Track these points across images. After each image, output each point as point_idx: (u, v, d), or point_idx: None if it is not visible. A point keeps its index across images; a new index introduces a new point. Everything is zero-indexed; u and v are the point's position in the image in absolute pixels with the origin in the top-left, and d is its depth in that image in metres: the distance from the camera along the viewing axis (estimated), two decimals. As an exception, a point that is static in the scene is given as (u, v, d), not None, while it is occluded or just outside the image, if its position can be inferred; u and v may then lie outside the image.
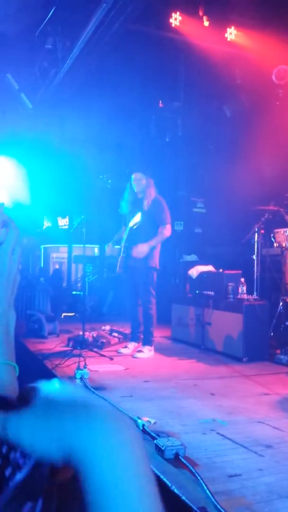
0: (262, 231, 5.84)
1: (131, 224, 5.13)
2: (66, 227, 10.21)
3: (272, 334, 5.37)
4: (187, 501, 1.90)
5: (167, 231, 5.15)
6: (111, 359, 4.82)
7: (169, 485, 2.03)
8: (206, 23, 6.98)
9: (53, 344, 5.43)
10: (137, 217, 5.12)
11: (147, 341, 5.21)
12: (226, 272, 5.50)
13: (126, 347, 5.28)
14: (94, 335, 5.71)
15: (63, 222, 10.50)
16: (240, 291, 5.21)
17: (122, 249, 5.23)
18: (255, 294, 5.51)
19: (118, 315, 8.21)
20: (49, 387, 0.48)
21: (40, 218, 10.85)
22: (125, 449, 0.43)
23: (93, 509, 0.42)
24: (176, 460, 2.28)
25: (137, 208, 5.19)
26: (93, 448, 0.42)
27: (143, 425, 2.71)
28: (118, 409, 0.48)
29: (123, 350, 5.20)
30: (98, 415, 0.44)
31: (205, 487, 1.98)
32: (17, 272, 0.67)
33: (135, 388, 3.78)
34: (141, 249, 5.05)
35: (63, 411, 0.44)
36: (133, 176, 5.21)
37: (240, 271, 5.54)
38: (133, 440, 0.44)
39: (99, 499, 0.41)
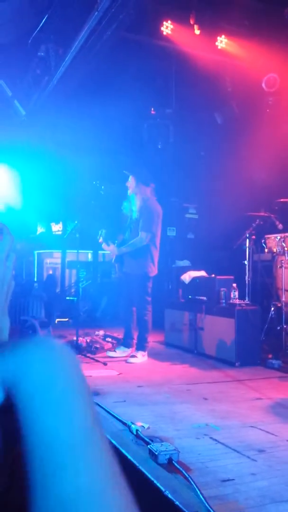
0: (254, 237, 5.91)
1: (99, 233, 5.26)
2: (60, 232, 10.22)
3: (264, 338, 5.43)
4: (180, 506, 1.93)
5: (139, 239, 5.06)
6: (105, 364, 4.84)
7: (163, 490, 2.06)
8: (197, 32, 7.05)
9: (46, 350, 5.42)
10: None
11: (140, 346, 5.24)
12: (218, 277, 5.54)
13: (114, 350, 5.31)
14: (88, 340, 5.73)
15: (56, 228, 10.50)
16: (232, 296, 5.26)
17: (114, 257, 5.29)
18: (247, 299, 5.57)
19: (112, 320, 8.23)
20: None
21: (33, 224, 10.84)
22: (61, 376, 0.42)
23: (31, 442, 0.40)
24: (170, 465, 2.31)
25: (130, 212, 5.27)
26: (27, 377, 0.41)
27: (137, 430, 2.74)
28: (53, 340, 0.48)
29: (111, 354, 5.22)
30: (31, 346, 0.43)
31: (198, 492, 2.01)
32: (12, 279, 0.69)
33: (128, 393, 3.81)
34: (111, 249, 5.17)
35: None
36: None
37: (232, 277, 5.59)
38: (69, 366, 0.44)
39: (37, 433, 0.40)
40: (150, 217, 5.13)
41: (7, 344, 0.45)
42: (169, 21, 7.30)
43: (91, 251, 9.94)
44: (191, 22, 7.04)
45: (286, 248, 5.41)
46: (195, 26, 7.03)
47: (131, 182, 5.22)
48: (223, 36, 7.32)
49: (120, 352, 5.26)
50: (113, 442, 2.63)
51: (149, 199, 5.21)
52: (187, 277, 6.01)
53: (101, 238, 5.27)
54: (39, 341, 0.45)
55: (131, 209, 5.27)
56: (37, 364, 0.42)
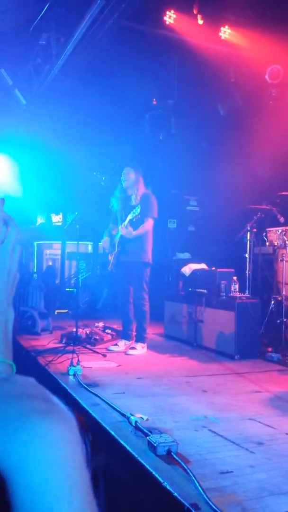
0: (255, 230, 5.88)
1: (130, 216, 5.16)
2: (60, 223, 10.21)
3: (263, 332, 5.42)
4: (179, 497, 1.93)
5: (147, 224, 5.16)
6: (104, 356, 4.84)
7: (161, 481, 2.06)
8: (200, 22, 6.96)
9: (46, 341, 5.44)
10: (138, 210, 5.17)
11: (140, 338, 5.24)
12: (218, 270, 5.54)
13: (116, 344, 5.30)
14: (87, 332, 5.72)
15: (56, 219, 10.49)
16: (232, 289, 5.25)
17: (116, 244, 5.25)
18: (247, 292, 5.56)
19: (111, 312, 8.23)
20: None
21: (33, 215, 10.83)
22: (55, 453, 0.41)
23: None
24: (169, 457, 2.30)
25: (127, 204, 5.23)
26: (21, 455, 0.41)
27: (136, 421, 2.73)
28: (56, 403, 0.47)
29: (113, 348, 5.21)
30: (28, 419, 0.42)
31: (197, 484, 2.00)
32: (17, 270, 0.68)
33: (128, 384, 3.81)
34: (128, 231, 5.11)
35: None
36: (123, 170, 5.28)
37: (232, 269, 5.58)
38: (64, 440, 0.43)
39: (27, 507, 0.40)
40: (152, 204, 5.21)
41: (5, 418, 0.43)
42: (172, 11, 7.22)
43: (91, 243, 9.93)
44: (195, 12, 6.96)
45: (287, 242, 5.39)
46: (199, 16, 6.95)
47: (130, 174, 5.23)
48: (226, 27, 7.24)
49: (122, 346, 5.26)
50: (112, 433, 2.62)
51: (146, 190, 5.31)
52: (187, 269, 5.99)
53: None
54: (40, 423, 0.42)
55: (122, 204, 5.29)
56: (35, 455, 0.41)
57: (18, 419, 0.42)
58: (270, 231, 5.73)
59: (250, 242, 5.87)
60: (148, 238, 5.21)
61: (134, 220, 5.14)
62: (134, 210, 5.11)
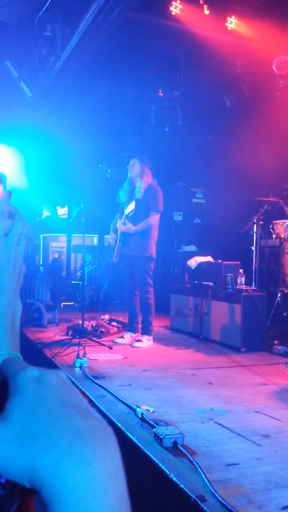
0: (261, 222, 5.85)
1: (126, 211, 5.16)
2: (65, 216, 10.21)
3: (270, 324, 5.41)
4: (185, 489, 1.93)
5: (153, 219, 5.13)
6: (110, 348, 4.85)
7: (168, 473, 2.06)
8: (206, 12, 6.90)
9: (52, 333, 5.46)
10: (132, 205, 5.16)
11: (145, 331, 5.24)
12: (225, 262, 5.52)
13: (122, 337, 5.31)
14: (93, 324, 5.74)
15: (62, 212, 10.49)
16: (238, 281, 5.23)
17: (119, 237, 5.25)
18: (253, 285, 5.54)
19: (117, 304, 8.24)
20: (28, 386, 0.43)
21: (39, 207, 10.84)
22: (97, 484, 0.40)
23: None
24: (175, 449, 2.31)
25: (132, 197, 5.22)
26: (62, 484, 0.39)
27: (142, 413, 2.74)
28: (103, 423, 0.43)
29: (119, 340, 5.22)
30: (71, 443, 0.40)
31: (203, 476, 2.01)
32: (23, 263, 0.68)
33: (134, 377, 3.82)
34: (127, 227, 5.10)
35: (38, 434, 0.41)
36: (130, 162, 5.26)
37: (238, 262, 5.56)
38: (107, 469, 0.41)
39: None
40: (157, 197, 5.18)
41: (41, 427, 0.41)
42: (178, 1, 7.17)
43: (97, 235, 9.93)
44: (201, 2, 6.90)
45: (294, 234, 5.36)
46: (205, 6, 6.89)
47: (135, 165, 5.21)
48: (233, 17, 7.17)
49: (128, 338, 5.27)
50: (118, 425, 2.63)
51: (152, 181, 5.25)
52: (193, 262, 5.98)
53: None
54: (83, 449, 0.40)
55: (129, 195, 5.27)
56: (76, 486, 0.39)
57: (61, 442, 0.40)
58: (277, 223, 5.69)
59: (256, 234, 5.85)
60: (151, 232, 5.17)
61: (129, 215, 5.13)
62: (130, 205, 5.11)
